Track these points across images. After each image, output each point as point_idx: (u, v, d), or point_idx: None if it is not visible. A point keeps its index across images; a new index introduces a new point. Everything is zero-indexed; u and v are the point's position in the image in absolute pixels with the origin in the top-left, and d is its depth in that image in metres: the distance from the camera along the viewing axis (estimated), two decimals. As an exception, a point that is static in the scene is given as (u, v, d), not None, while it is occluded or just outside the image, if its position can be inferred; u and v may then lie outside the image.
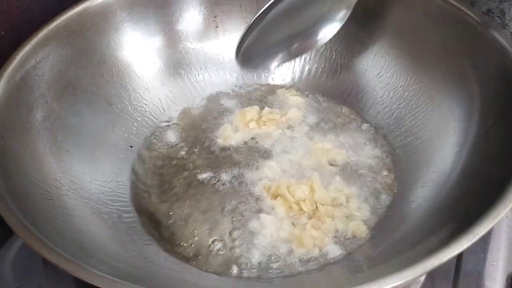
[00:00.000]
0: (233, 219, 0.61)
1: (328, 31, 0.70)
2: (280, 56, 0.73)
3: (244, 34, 0.69)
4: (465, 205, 0.52)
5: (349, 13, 0.68)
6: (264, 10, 0.67)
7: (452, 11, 0.64)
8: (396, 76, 0.72)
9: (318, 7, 0.69)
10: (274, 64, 0.73)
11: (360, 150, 0.69)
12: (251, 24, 0.68)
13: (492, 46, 0.60)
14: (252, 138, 0.71)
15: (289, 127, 0.72)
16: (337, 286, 0.55)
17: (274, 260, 0.57)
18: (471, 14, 0.62)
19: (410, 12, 0.69)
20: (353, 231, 0.59)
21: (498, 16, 0.71)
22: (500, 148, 0.53)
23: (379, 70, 0.74)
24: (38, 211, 0.52)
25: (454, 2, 0.64)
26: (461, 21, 0.63)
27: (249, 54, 0.71)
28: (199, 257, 0.58)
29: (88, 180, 0.63)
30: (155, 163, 0.69)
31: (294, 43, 0.72)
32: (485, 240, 0.62)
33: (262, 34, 0.69)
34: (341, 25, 0.70)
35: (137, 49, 0.74)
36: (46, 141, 0.61)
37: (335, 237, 0.59)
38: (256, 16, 0.68)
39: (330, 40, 0.72)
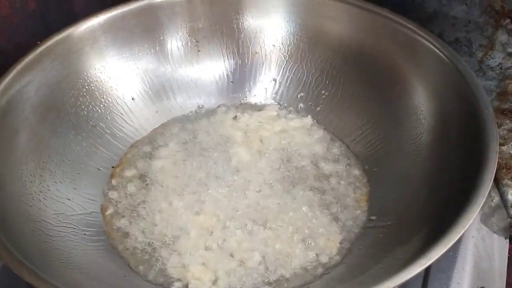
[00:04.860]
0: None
1: None
2: None
3: None
4: (426, 226, 0.54)
5: None
6: None
7: (420, 40, 0.68)
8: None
9: None
10: None
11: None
12: None
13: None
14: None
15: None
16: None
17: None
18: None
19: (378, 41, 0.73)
20: (322, 248, 0.61)
21: (465, 45, 0.74)
22: (459, 172, 0.56)
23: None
24: (21, 232, 0.55)
25: (422, 33, 0.67)
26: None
27: None
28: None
29: (70, 200, 0.65)
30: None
31: None
32: (451, 258, 0.64)
33: None
34: None
35: (120, 72, 0.77)
36: (29, 163, 0.63)
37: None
38: None
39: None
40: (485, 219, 0.74)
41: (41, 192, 0.62)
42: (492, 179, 0.49)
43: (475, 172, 0.51)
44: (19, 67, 0.65)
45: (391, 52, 0.72)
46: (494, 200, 0.77)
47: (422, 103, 0.67)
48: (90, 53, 0.73)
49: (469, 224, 0.46)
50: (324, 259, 0.61)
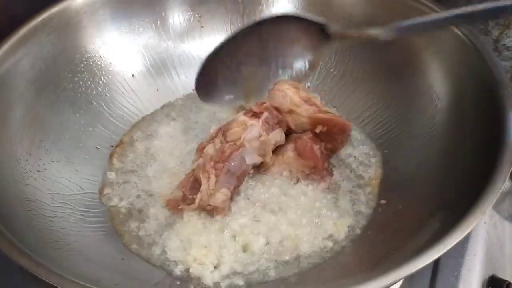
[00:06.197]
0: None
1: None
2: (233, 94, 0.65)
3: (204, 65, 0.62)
4: (441, 211, 0.52)
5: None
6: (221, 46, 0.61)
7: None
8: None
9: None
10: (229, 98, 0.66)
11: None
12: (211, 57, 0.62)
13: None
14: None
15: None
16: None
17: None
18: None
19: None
20: (329, 232, 0.59)
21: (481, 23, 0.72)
22: (476, 155, 0.54)
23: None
24: (14, 212, 0.52)
25: (436, 9, 0.64)
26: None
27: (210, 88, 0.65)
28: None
29: (67, 179, 0.63)
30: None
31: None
32: (463, 245, 0.62)
33: (222, 68, 0.63)
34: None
35: (120, 48, 0.74)
36: (24, 140, 0.60)
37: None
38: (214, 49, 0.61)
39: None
40: (496, 205, 0.72)
41: (37, 171, 0.60)
42: (513, 162, 0.47)
43: (493, 155, 0.48)
44: (13, 40, 0.62)
45: (404, 29, 0.68)
46: (506, 186, 0.74)
47: (436, 82, 0.64)
48: (88, 27, 0.71)
49: (488, 209, 0.44)
50: (331, 243, 0.58)
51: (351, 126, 0.65)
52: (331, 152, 0.66)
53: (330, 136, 0.65)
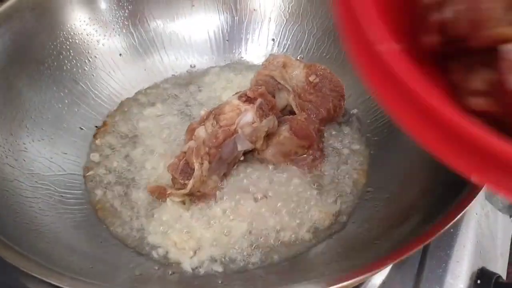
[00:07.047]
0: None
1: None
2: None
3: None
4: (429, 199, 0.51)
5: None
6: None
7: None
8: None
9: None
10: None
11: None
12: None
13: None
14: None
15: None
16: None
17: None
18: None
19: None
20: (314, 220, 0.58)
21: None
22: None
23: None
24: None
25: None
26: None
27: None
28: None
29: (48, 160, 0.61)
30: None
31: None
32: (452, 235, 0.60)
33: None
34: None
35: (106, 25, 0.72)
36: (4, 118, 0.59)
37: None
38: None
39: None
40: (489, 195, 0.70)
41: (17, 150, 0.58)
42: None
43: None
44: (-5, 14, 0.60)
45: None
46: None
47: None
48: (74, 3, 0.69)
49: (480, 193, 0.42)
50: (315, 232, 0.57)
51: (343, 86, 0.65)
52: (326, 121, 0.66)
53: (323, 95, 0.65)
